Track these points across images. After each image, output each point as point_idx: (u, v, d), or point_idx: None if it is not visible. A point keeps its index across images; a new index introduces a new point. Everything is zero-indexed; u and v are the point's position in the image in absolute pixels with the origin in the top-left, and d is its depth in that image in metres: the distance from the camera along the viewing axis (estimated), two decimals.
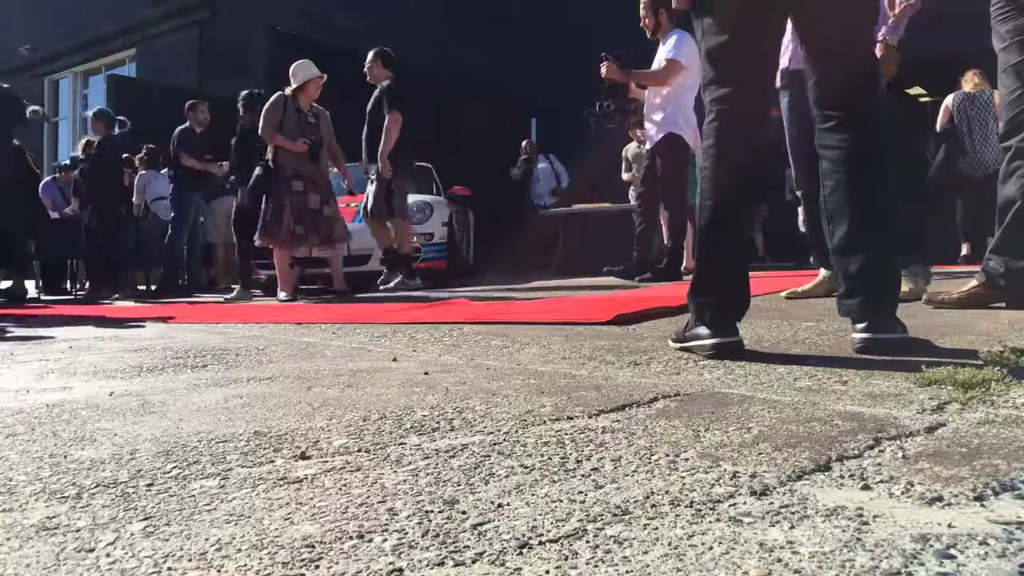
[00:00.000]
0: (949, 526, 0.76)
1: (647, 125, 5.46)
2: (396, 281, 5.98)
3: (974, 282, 2.74)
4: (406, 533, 0.80)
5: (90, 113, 7.12)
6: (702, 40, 1.94)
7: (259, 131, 5.52)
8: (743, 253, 2.00)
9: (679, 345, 1.98)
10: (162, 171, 8.23)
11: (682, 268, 6.20)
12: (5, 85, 6.46)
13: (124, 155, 7.77)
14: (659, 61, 5.24)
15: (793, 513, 0.81)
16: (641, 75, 5.33)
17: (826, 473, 0.94)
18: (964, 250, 6.55)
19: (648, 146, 5.51)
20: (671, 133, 5.19)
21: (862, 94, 1.87)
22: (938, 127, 6.36)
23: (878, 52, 2.75)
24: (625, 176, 7.84)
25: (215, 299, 6.26)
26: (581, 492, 0.91)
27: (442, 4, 12.53)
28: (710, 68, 1.93)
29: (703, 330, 1.88)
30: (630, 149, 7.70)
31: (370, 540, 0.78)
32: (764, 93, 2.05)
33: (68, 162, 9.30)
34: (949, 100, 6.28)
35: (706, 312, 1.89)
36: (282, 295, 5.43)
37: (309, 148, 5.45)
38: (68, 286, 8.62)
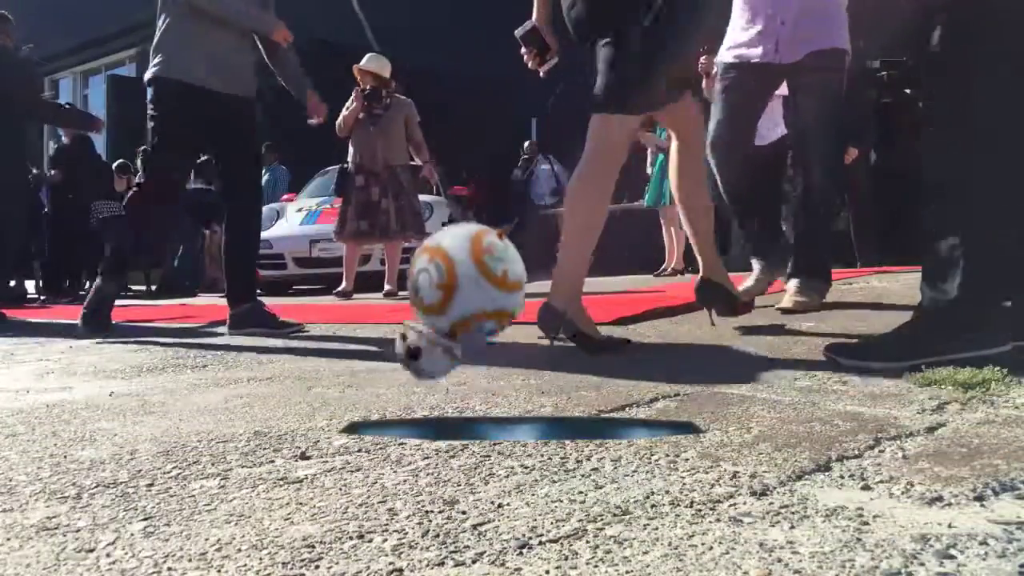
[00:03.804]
0: (949, 526, 0.76)
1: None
2: None
3: None
4: (406, 533, 0.80)
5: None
6: None
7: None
8: None
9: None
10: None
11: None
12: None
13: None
14: None
15: (793, 513, 0.81)
16: None
17: (826, 473, 0.94)
18: None
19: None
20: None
21: None
22: None
23: None
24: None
25: (215, 300, 6.26)
26: (581, 492, 0.91)
27: (443, 4, 12.53)
28: None
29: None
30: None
31: (370, 540, 0.78)
32: None
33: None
34: None
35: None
36: (342, 287, 5.51)
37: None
38: (68, 284, 8.59)
